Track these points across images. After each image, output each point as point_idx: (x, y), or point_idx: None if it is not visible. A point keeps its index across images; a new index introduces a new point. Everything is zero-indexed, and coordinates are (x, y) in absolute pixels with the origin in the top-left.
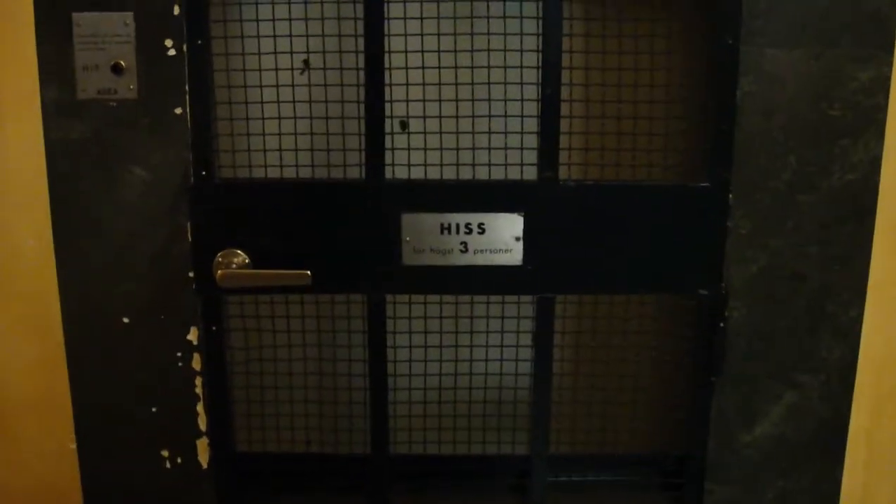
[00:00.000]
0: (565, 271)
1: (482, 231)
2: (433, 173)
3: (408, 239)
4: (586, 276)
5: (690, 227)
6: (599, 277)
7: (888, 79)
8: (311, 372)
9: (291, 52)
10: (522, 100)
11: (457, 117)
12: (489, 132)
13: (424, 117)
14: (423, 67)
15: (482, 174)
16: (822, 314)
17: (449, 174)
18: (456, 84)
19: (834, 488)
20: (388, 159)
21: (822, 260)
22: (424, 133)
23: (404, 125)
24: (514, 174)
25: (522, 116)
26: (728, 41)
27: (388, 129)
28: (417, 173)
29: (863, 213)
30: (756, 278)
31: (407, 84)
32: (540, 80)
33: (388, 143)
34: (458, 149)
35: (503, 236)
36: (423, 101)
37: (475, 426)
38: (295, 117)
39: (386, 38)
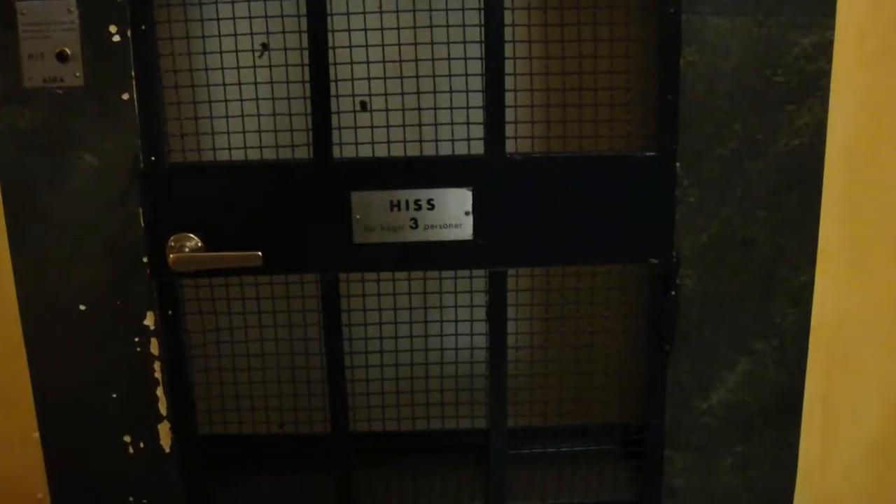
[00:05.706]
0: (516, 244)
1: (431, 207)
2: (381, 151)
3: (358, 217)
4: (537, 249)
5: (639, 196)
6: (550, 249)
7: (830, 43)
8: (268, 353)
9: (235, 35)
10: (467, 75)
11: (402, 94)
12: (435, 108)
13: (370, 95)
14: (366, 46)
15: (430, 151)
16: (773, 280)
17: (397, 151)
18: (400, 61)
19: (791, 453)
20: (336, 138)
21: (771, 226)
22: (370, 111)
23: (364, 105)
24: (462, 150)
25: (468, 91)
26: (670, 10)
27: (334, 108)
28: (366, 151)
29: (810, 178)
30: (707, 246)
31: (351, 63)
32: (484, 55)
33: (335, 123)
34: (404, 125)
35: (453, 211)
36: (368, 79)
37: (435, 401)
38: (241, 99)
39: (329, 18)
